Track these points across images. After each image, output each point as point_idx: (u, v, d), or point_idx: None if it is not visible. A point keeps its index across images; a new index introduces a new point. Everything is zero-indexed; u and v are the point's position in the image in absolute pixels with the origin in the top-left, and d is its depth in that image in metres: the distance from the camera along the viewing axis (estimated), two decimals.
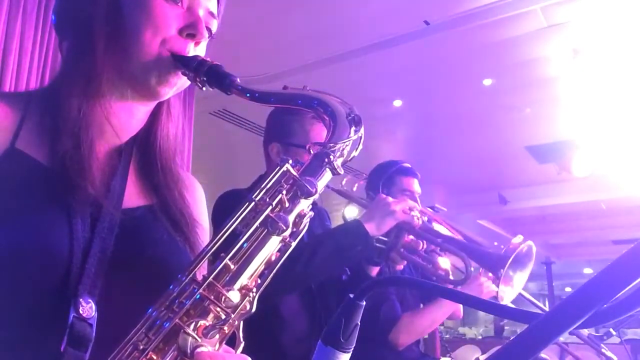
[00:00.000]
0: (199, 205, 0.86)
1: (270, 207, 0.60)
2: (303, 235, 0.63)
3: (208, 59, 0.71)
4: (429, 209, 1.88)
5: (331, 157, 0.64)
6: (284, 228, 0.59)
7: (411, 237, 1.64)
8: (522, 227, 7.77)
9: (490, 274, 1.58)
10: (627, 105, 4.18)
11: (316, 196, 0.62)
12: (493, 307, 0.50)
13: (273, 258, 0.61)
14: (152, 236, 0.73)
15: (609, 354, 1.74)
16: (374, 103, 4.39)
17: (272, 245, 0.60)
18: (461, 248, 1.56)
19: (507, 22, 3.12)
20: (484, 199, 6.69)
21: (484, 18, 3.10)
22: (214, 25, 0.77)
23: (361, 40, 3.44)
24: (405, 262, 1.63)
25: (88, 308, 0.59)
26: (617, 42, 3.33)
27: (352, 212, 2.74)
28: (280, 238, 0.61)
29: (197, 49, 0.73)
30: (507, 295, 1.51)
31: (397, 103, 4.41)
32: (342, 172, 0.66)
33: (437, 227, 1.91)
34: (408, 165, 2.17)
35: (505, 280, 1.49)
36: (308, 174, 0.63)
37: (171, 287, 0.57)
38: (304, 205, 0.63)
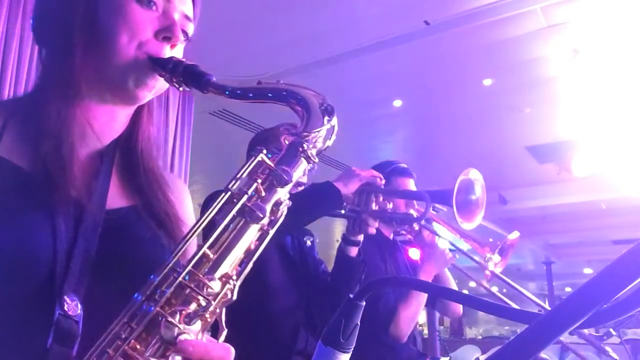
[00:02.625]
0: (184, 206, 0.87)
1: (246, 196, 0.61)
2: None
3: (184, 60, 0.72)
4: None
5: (305, 145, 0.65)
6: (261, 216, 0.60)
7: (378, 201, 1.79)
8: (522, 227, 7.77)
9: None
10: (627, 105, 4.18)
11: (291, 185, 0.64)
12: (493, 307, 0.50)
13: (252, 247, 0.62)
14: (136, 235, 0.74)
15: (611, 354, 1.74)
16: (374, 103, 4.39)
17: (251, 234, 0.61)
18: (421, 193, 1.84)
19: (507, 22, 3.13)
20: None
21: (484, 18, 3.11)
22: (190, 29, 0.79)
23: (361, 40, 3.44)
24: (377, 224, 1.73)
25: (73, 306, 0.60)
26: (617, 42, 3.33)
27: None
28: (258, 226, 0.62)
29: (174, 52, 0.74)
30: (466, 224, 1.74)
31: (397, 103, 4.41)
32: (316, 160, 0.67)
33: (435, 226, 1.98)
34: (404, 165, 2.20)
35: (464, 211, 1.73)
36: (283, 163, 0.64)
37: (152, 276, 0.58)
38: (281, 194, 0.64)
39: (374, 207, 1.70)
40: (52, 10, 0.75)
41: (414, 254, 2.16)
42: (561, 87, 3.99)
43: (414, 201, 2.08)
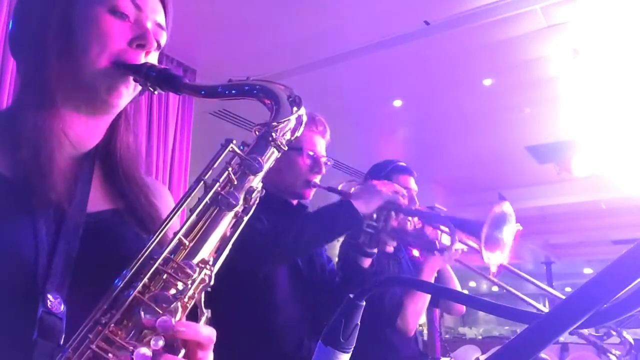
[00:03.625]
0: (168, 208, 0.88)
1: (218, 184, 0.64)
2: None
3: (156, 64, 0.75)
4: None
5: (274, 134, 0.69)
6: (234, 204, 0.64)
7: (399, 218, 1.70)
8: (522, 227, 7.76)
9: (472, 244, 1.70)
10: (628, 106, 4.18)
11: (262, 172, 0.67)
12: (493, 307, 0.50)
13: (228, 233, 0.65)
14: (119, 236, 0.76)
15: (616, 353, 1.74)
16: (374, 103, 4.39)
17: (226, 221, 0.65)
18: (446, 219, 1.69)
19: (507, 22, 3.12)
20: (484, 199, 6.68)
21: (484, 18, 3.11)
22: (163, 38, 0.81)
23: (361, 41, 3.44)
24: (395, 243, 1.69)
25: (56, 303, 0.62)
26: (617, 42, 3.33)
27: None
28: (232, 214, 0.65)
29: (148, 59, 0.76)
30: (492, 260, 1.60)
31: (397, 103, 4.41)
32: (286, 148, 0.71)
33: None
34: (403, 164, 2.20)
35: (490, 244, 1.59)
36: (254, 152, 0.68)
37: (129, 265, 0.60)
38: (253, 182, 0.67)
39: (393, 222, 1.63)
40: (28, 24, 0.77)
41: (416, 251, 2.15)
42: (561, 87, 3.99)
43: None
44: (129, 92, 0.76)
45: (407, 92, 4.25)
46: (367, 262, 1.66)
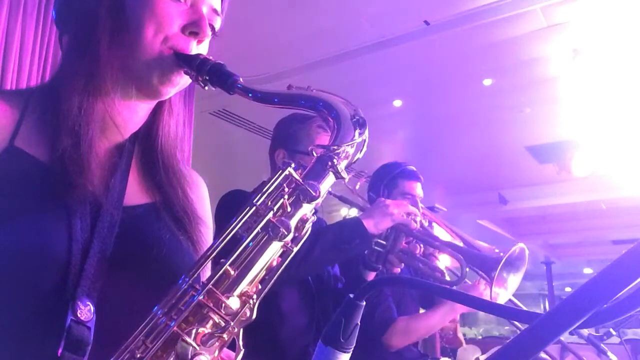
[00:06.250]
0: (203, 203, 0.85)
1: (271, 212, 0.59)
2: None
3: (210, 58, 0.70)
4: (429, 211, 1.86)
5: (334, 160, 0.63)
6: (286, 233, 0.58)
7: (409, 240, 1.66)
8: (522, 227, 7.77)
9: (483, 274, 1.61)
10: (628, 105, 4.18)
11: (319, 200, 0.61)
12: (493, 307, 0.50)
13: (274, 263, 0.60)
14: (154, 235, 0.72)
15: (611, 356, 1.74)
16: (374, 103, 4.39)
17: (273, 251, 0.59)
18: (457, 251, 1.60)
19: (507, 22, 3.12)
20: (484, 199, 6.69)
21: (484, 18, 3.11)
22: (218, 23, 0.76)
23: (361, 40, 3.44)
24: (403, 265, 1.64)
25: (86, 311, 0.58)
26: (617, 42, 3.33)
27: (347, 212, 2.73)
28: (281, 243, 0.60)
29: (200, 47, 0.73)
30: (500, 296, 1.56)
31: (397, 103, 4.41)
32: (345, 175, 0.64)
33: (435, 229, 1.91)
34: (412, 168, 2.12)
35: (499, 282, 1.53)
36: (311, 177, 0.62)
37: (170, 293, 0.56)
38: (307, 209, 0.61)
39: (403, 244, 1.59)
40: None
41: None
42: (561, 87, 3.99)
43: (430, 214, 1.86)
44: (182, 80, 0.72)
45: (407, 92, 4.25)
46: (370, 276, 1.64)
